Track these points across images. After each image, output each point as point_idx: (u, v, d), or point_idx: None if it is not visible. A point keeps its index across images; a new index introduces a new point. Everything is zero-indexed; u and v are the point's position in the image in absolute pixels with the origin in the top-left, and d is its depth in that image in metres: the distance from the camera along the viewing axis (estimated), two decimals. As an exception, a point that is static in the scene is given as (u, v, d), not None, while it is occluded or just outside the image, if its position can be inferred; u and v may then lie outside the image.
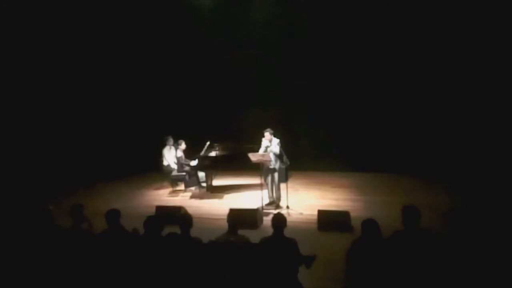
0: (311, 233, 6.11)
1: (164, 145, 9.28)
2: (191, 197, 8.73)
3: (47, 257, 4.01)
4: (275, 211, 7.06)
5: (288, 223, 3.93)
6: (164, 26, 11.24)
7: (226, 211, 5.29)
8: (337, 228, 6.07)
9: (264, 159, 7.23)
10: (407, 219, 3.68)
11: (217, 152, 8.98)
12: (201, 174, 8.99)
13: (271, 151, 7.32)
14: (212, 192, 8.87)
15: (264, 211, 7.05)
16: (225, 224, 4.19)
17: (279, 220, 3.87)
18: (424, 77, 9.75)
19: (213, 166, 8.80)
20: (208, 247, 3.96)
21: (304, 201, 7.97)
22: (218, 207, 7.62)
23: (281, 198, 7.57)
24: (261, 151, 7.38)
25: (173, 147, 9.27)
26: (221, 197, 8.54)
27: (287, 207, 7.35)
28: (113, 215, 4.22)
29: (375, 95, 10.26)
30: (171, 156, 9.24)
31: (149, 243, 3.92)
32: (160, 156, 9.26)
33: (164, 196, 8.95)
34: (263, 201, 7.35)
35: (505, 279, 3.34)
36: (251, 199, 7.99)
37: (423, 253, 3.49)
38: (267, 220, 3.93)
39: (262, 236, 3.96)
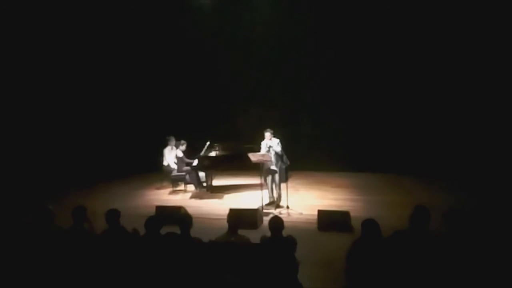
0: (311, 233, 6.11)
1: (165, 145, 9.28)
2: (191, 197, 8.73)
3: (47, 257, 4.00)
4: (275, 211, 7.11)
5: (288, 223, 3.93)
6: (165, 27, 11.23)
7: (226, 211, 5.30)
8: (337, 228, 6.07)
9: (264, 159, 7.22)
10: (416, 218, 3.64)
11: (217, 152, 8.98)
12: (201, 174, 9.00)
13: (274, 150, 7.32)
14: (212, 192, 8.86)
15: (264, 211, 7.05)
16: (225, 224, 4.19)
17: (276, 223, 3.84)
18: (424, 77, 9.75)
19: (213, 166, 8.80)
20: (208, 247, 3.96)
21: (304, 201, 7.96)
22: (218, 207, 7.61)
23: (281, 198, 7.57)
24: (263, 150, 7.38)
25: (174, 147, 9.27)
26: (221, 197, 8.54)
27: (287, 207, 7.35)
28: (113, 215, 4.22)
29: (376, 95, 10.26)
30: (171, 156, 9.23)
31: (149, 243, 3.92)
32: (161, 156, 9.25)
33: (164, 196, 8.95)
34: (263, 201, 7.35)
35: (505, 279, 3.34)
36: (251, 199, 7.99)
37: (423, 253, 3.49)
38: (267, 220, 3.91)
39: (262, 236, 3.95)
